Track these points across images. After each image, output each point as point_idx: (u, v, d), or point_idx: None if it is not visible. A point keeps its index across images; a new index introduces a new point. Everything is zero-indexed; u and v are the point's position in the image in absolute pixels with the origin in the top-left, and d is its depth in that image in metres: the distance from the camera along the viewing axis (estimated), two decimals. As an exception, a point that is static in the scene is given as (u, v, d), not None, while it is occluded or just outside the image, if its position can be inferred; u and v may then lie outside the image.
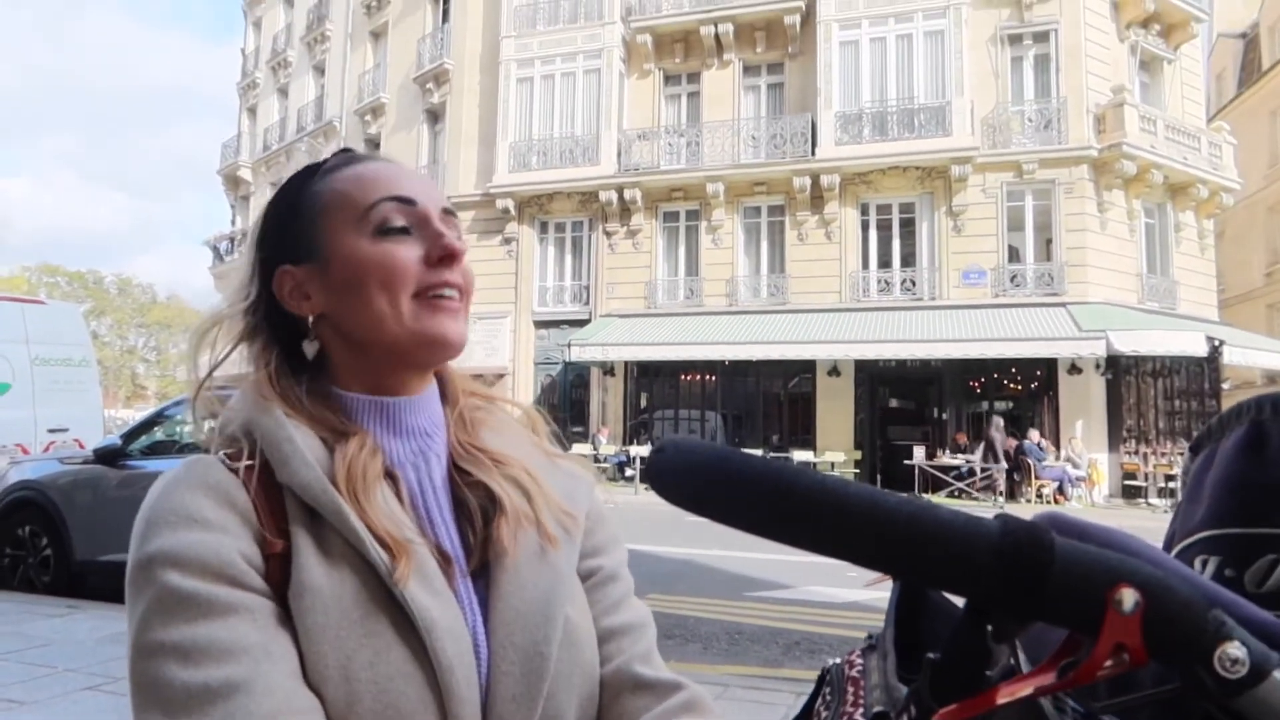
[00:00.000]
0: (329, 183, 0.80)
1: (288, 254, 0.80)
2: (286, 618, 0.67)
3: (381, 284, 0.76)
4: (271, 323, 0.81)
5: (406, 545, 0.70)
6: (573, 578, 0.81)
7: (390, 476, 0.77)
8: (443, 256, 0.78)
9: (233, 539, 0.67)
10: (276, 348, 0.80)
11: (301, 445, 0.73)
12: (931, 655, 0.43)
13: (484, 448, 0.83)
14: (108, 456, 6.51)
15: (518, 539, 0.77)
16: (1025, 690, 0.39)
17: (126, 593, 0.66)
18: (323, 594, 0.67)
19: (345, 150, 0.86)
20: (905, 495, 0.41)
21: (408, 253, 0.77)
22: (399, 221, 0.78)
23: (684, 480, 0.45)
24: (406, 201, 0.79)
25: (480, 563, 0.77)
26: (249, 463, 0.72)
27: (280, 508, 0.71)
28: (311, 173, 0.83)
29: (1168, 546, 0.67)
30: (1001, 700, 0.39)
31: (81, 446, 8.66)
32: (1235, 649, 0.36)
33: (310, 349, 0.80)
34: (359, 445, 0.75)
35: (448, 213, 0.82)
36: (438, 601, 0.70)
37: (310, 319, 0.80)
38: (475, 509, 0.79)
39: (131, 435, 6.81)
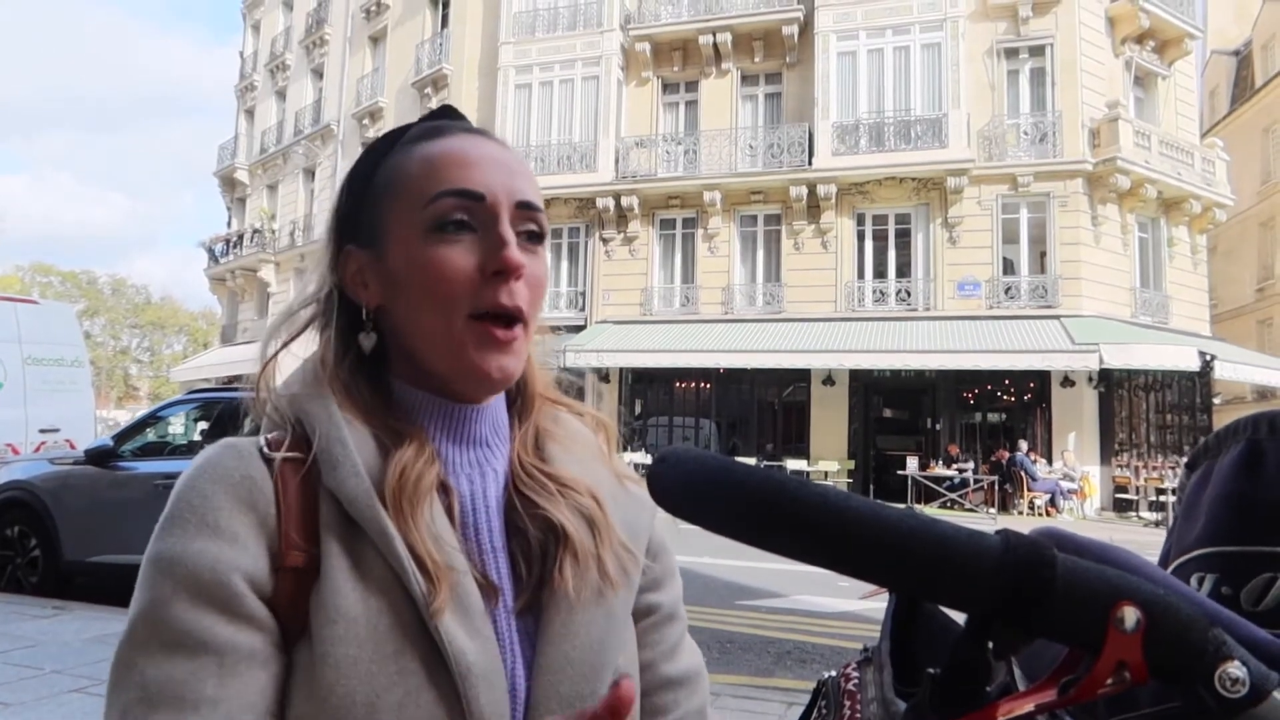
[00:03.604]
0: (400, 160, 0.72)
1: (355, 234, 0.74)
2: (283, 645, 0.62)
3: (427, 293, 0.68)
4: (345, 303, 0.74)
5: (447, 572, 0.64)
6: (627, 623, 0.74)
7: (444, 488, 0.70)
8: (497, 270, 0.68)
9: (238, 552, 0.62)
10: (340, 334, 0.74)
11: (354, 449, 0.66)
12: (932, 670, 0.43)
13: (551, 471, 0.74)
14: (99, 457, 6.49)
15: (582, 579, 0.70)
16: (1026, 707, 0.39)
17: (139, 573, 0.64)
18: (358, 624, 0.61)
19: (438, 112, 0.78)
20: (907, 509, 0.41)
21: (462, 260, 0.68)
22: (460, 218, 0.69)
23: (686, 491, 0.45)
24: (472, 196, 0.69)
25: (531, 600, 0.70)
26: (291, 455, 0.67)
27: (314, 510, 0.65)
28: (391, 141, 0.75)
29: (1163, 563, 0.67)
30: (1002, 717, 0.39)
31: (73, 447, 8.63)
32: (1236, 669, 0.36)
33: (366, 342, 0.73)
34: (416, 452, 0.68)
35: (524, 206, 0.71)
36: (476, 642, 0.64)
37: (368, 309, 0.73)
38: (532, 539, 0.71)
39: (123, 436, 6.79)
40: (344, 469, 0.65)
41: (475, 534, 0.70)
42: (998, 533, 0.40)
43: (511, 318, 0.70)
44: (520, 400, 0.80)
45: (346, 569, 0.63)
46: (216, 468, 0.65)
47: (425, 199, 0.69)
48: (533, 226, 0.72)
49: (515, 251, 0.69)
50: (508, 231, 0.69)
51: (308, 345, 0.75)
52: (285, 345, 0.74)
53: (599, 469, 0.78)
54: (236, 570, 0.61)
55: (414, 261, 0.69)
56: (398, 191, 0.71)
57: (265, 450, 0.67)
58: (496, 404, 0.76)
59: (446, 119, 0.76)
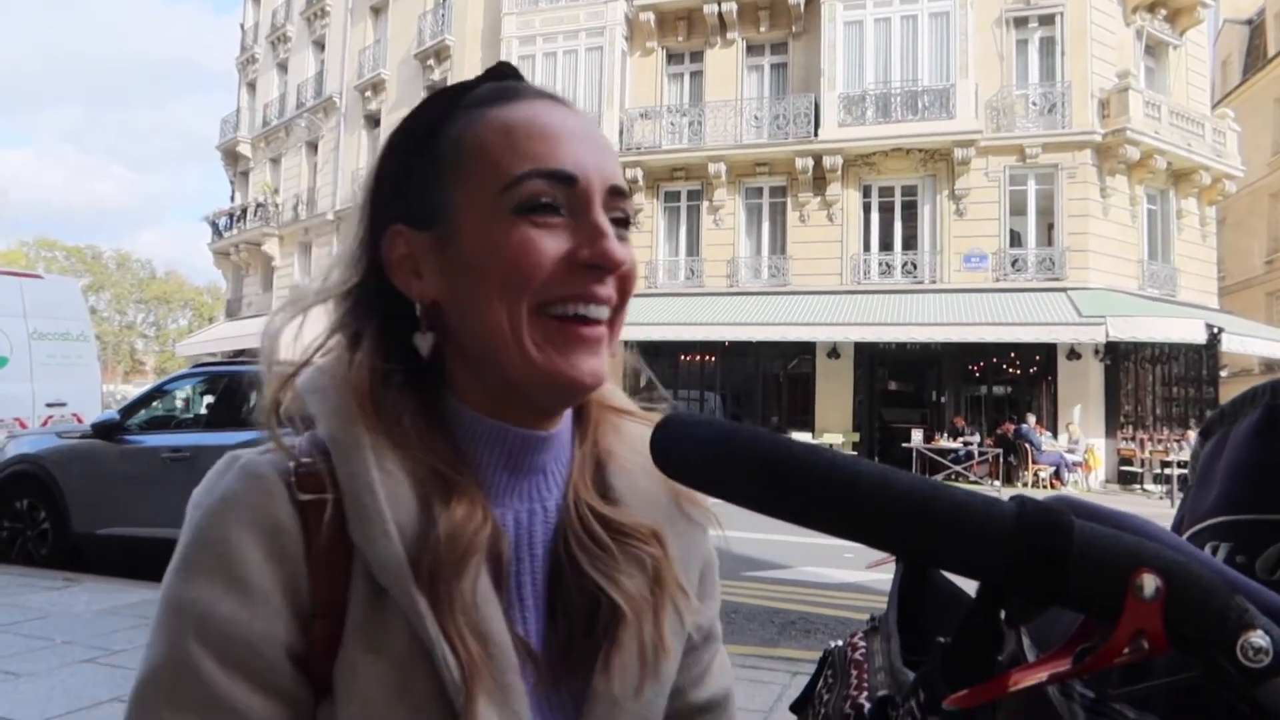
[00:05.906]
0: (473, 125, 0.62)
1: (404, 212, 0.63)
2: (312, 709, 0.58)
3: (503, 281, 0.59)
4: (384, 300, 0.63)
5: (482, 666, 0.56)
6: (673, 675, 0.68)
7: (493, 531, 0.62)
8: (593, 261, 0.60)
9: (271, 618, 0.56)
10: (382, 338, 0.63)
11: (384, 501, 0.57)
12: (942, 639, 0.42)
13: (611, 517, 0.65)
14: (105, 431, 6.52)
15: (637, 668, 0.63)
16: (1039, 676, 0.38)
17: (158, 609, 0.57)
18: (374, 705, 0.55)
19: (499, 70, 0.66)
20: (917, 475, 0.40)
21: (550, 244, 0.59)
22: (547, 202, 0.60)
23: (690, 456, 0.44)
24: (564, 179, 0.60)
25: (572, 670, 0.63)
26: (320, 496, 0.58)
27: (345, 565, 0.58)
28: (454, 101, 0.64)
29: (1176, 531, 0.66)
30: (1014, 686, 0.38)
31: (80, 421, 8.68)
32: (1259, 638, 0.35)
33: (424, 343, 0.63)
34: (468, 512, 0.58)
35: (616, 192, 0.62)
36: None
37: (420, 305, 0.63)
38: (579, 610, 0.64)
39: (129, 410, 6.82)
40: (373, 525, 0.57)
41: (518, 587, 0.63)
42: (1012, 498, 0.39)
43: (608, 308, 0.62)
44: (581, 411, 0.69)
45: (367, 641, 0.56)
46: (241, 506, 0.57)
47: (507, 178, 0.59)
48: (620, 213, 0.63)
49: (615, 244, 0.60)
50: (603, 220, 0.61)
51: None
52: (298, 370, 0.63)
53: (659, 493, 0.69)
54: (269, 640, 0.56)
55: (492, 244, 0.59)
56: (472, 165, 0.61)
57: (293, 490, 0.58)
58: (563, 428, 0.67)
59: (513, 79, 0.66)
